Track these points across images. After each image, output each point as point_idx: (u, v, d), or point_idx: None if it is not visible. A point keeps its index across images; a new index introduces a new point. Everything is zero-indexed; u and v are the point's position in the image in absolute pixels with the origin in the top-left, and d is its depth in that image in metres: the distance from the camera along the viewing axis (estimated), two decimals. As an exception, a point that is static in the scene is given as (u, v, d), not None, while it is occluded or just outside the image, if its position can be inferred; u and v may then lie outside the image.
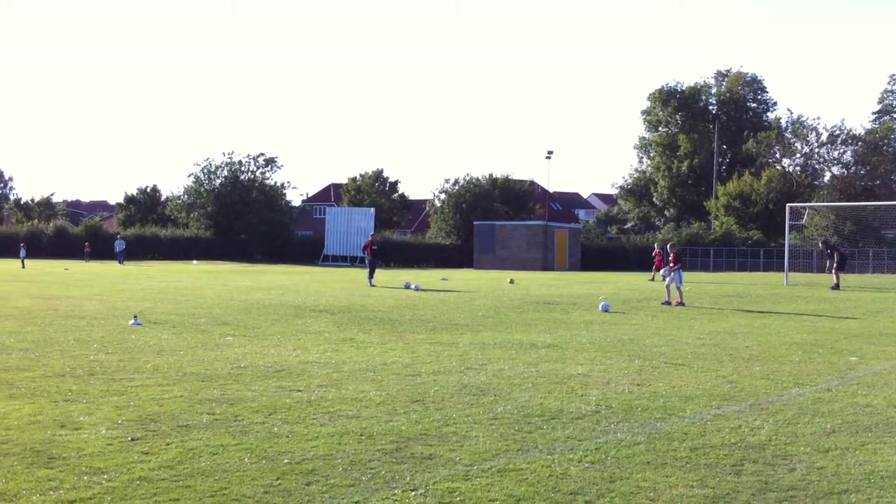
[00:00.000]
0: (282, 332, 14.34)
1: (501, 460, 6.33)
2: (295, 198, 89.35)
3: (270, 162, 69.34)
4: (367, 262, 31.15)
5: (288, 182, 69.95)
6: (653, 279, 34.56)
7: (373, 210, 63.73)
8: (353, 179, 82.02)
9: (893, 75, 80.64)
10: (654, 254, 37.26)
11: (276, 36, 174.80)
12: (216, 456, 6.33)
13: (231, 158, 68.26)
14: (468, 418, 7.71)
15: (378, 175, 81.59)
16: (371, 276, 29.92)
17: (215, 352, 11.85)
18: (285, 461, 6.22)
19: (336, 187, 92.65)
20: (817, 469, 6.21)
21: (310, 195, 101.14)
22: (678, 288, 22.36)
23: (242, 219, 65.39)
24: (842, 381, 10.18)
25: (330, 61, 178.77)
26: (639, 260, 59.70)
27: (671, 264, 22.65)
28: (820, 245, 36.23)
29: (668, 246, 23.79)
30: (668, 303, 21.94)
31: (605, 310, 19.84)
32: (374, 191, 79.76)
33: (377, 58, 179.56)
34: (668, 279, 22.74)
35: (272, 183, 68.94)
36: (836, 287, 30.16)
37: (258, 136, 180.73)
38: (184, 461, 6.18)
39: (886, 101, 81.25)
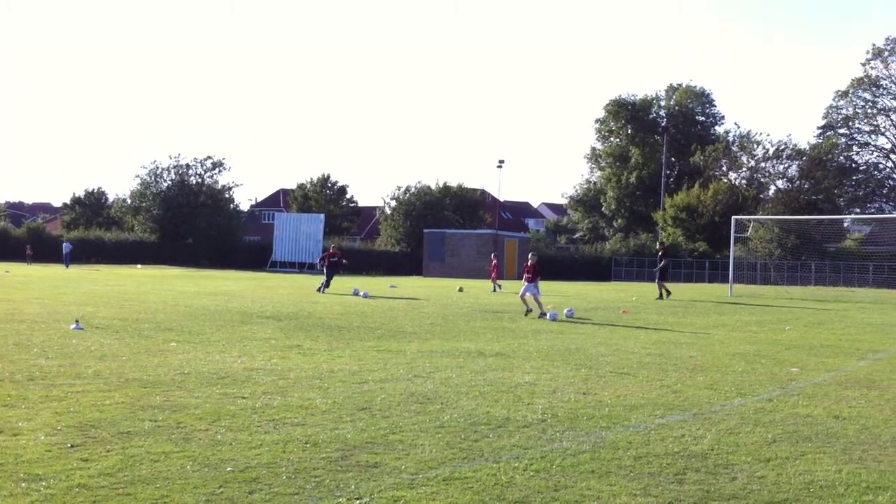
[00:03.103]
0: (227, 339, 14.19)
1: (447, 469, 6.31)
2: (243, 202, 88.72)
3: (218, 165, 68.73)
4: (324, 271, 30.63)
5: (233, 182, 69.04)
6: (495, 290, 33.46)
7: (322, 216, 63.49)
8: (302, 185, 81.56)
9: (838, 91, 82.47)
10: (520, 264, 36.14)
11: (223, 39, 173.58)
12: (157, 463, 6.22)
13: (178, 161, 67.53)
14: (414, 426, 7.69)
15: (327, 181, 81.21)
16: (326, 285, 29.43)
17: (158, 358, 11.68)
18: (228, 469, 6.13)
19: (285, 193, 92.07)
20: (758, 478, 6.29)
21: (258, 200, 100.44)
22: (536, 299, 21.14)
23: (189, 223, 64.66)
24: (783, 391, 10.35)
25: (279, 65, 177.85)
26: (587, 270, 60.29)
27: (527, 275, 21.45)
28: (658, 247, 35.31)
29: (528, 256, 22.53)
30: (543, 315, 20.58)
31: (553, 319, 19.96)
32: (322, 197, 79.39)
33: (328, 63, 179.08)
34: (525, 293, 21.37)
35: (220, 186, 68.25)
36: (666, 295, 29.62)
37: (206, 140, 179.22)
38: (124, 468, 6.06)
39: (831, 117, 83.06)
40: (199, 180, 67.67)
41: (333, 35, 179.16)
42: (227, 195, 68.17)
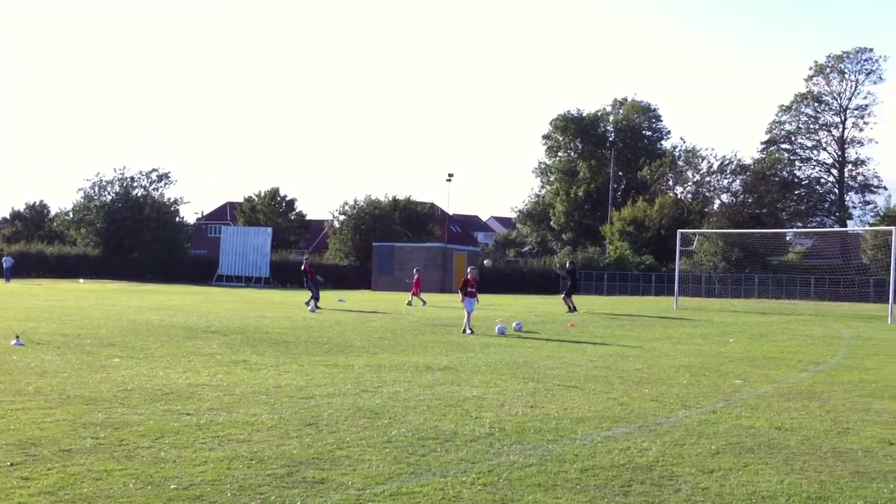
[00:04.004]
0: (171, 354, 14.00)
1: (394, 484, 6.29)
2: (189, 215, 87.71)
3: (164, 178, 67.89)
4: (310, 286, 30.06)
5: (181, 197, 68.12)
6: (408, 303, 33.01)
7: (269, 230, 63.00)
8: (250, 199, 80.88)
9: (782, 106, 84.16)
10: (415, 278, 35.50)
11: (170, 50, 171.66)
12: (99, 482, 6.11)
13: (123, 174, 66.57)
14: (362, 441, 7.65)
15: (275, 194, 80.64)
16: (316, 301, 28.35)
17: (101, 374, 11.48)
18: (172, 487, 6.05)
19: (232, 206, 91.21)
20: (702, 490, 6.37)
21: (205, 213, 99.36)
22: (467, 313, 20.70)
23: (134, 236, 63.69)
24: (726, 403, 10.50)
25: (226, 77, 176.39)
26: (536, 283, 60.56)
27: (470, 289, 20.88)
28: (567, 266, 34.90)
29: (469, 269, 22.01)
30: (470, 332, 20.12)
31: (502, 332, 20.03)
32: (270, 210, 78.78)
33: (275, 75, 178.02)
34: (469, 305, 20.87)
35: (165, 200, 67.39)
36: (573, 310, 29.65)
37: (152, 153, 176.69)
38: (65, 487, 5.96)
39: (774, 132, 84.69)
40: (145, 193, 66.78)
41: (281, 48, 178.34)
42: (172, 208, 67.30)
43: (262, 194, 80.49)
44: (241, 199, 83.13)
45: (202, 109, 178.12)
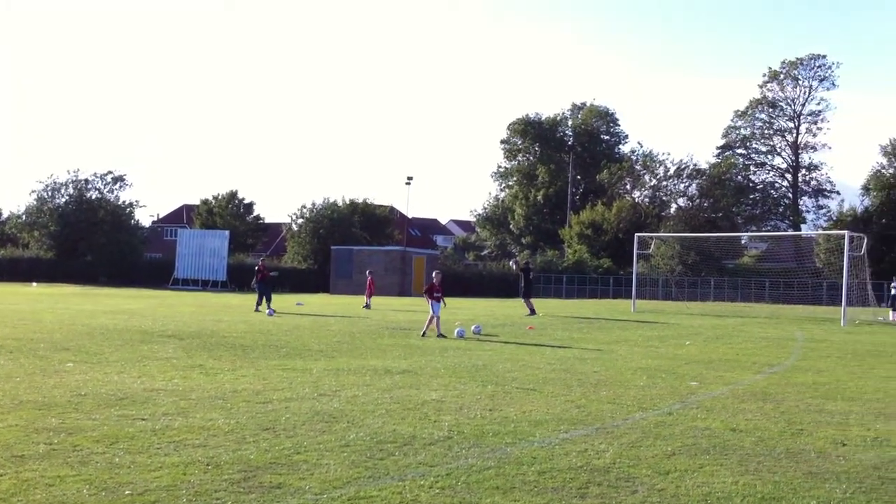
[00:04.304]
0: (126, 359, 13.82)
1: (352, 488, 6.27)
2: (145, 218, 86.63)
3: (119, 180, 67.05)
4: (259, 287, 29.92)
5: (136, 201, 67.30)
6: (365, 306, 32.88)
7: (227, 233, 62.50)
8: (206, 201, 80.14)
9: (737, 112, 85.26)
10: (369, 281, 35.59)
11: (126, 50, 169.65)
12: (53, 487, 6.02)
13: (77, 176, 65.64)
14: (319, 446, 7.61)
15: (232, 197, 79.96)
16: (269, 302, 28.52)
17: (54, 379, 11.30)
18: (127, 492, 5.98)
19: (189, 208, 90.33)
20: (658, 491, 6.42)
21: (161, 216, 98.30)
22: (434, 317, 20.50)
23: (88, 239, 62.78)
24: (682, 405, 10.59)
25: (182, 78, 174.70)
26: (495, 286, 60.71)
27: (437, 294, 20.69)
28: (520, 265, 34.44)
29: (435, 273, 21.90)
30: (425, 335, 20.11)
31: (461, 335, 20.03)
32: (227, 213, 78.11)
33: (232, 76, 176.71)
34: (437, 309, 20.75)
35: (120, 202, 66.55)
36: (533, 312, 29.52)
37: (107, 155, 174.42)
38: (18, 493, 5.86)
39: (730, 137, 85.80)
40: (99, 196, 65.90)
41: (238, 50, 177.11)
42: (128, 211, 66.45)
43: (220, 197, 79.81)
44: (197, 202, 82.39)
45: (159, 111, 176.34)
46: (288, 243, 71.18)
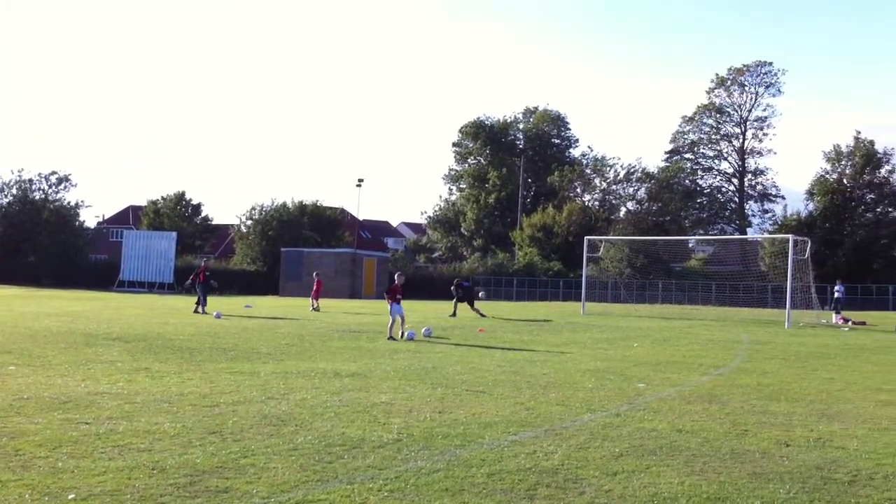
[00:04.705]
0: (70, 362, 13.58)
1: (300, 492, 6.22)
2: (90, 219, 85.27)
3: (64, 181, 65.93)
4: (199, 290, 29.76)
5: (82, 201, 66.18)
6: (314, 308, 32.74)
7: (174, 234, 61.71)
8: (154, 202, 79.07)
9: (685, 117, 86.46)
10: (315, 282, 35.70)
11: (68, 49, 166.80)
12: (-8, 494, 5.90)
13: (21, 176, 64.45)
14: (267, 449, 7.54)
15: (180, 198, 79.00)
16: (202, 304, 28.78)
17: (-5, 382, 11.07)
18: (70, 497, 5.89)
19: (135, 209, 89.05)
20: (605, 492, 6.47)
21: (106, 217, 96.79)
22: (397, 319, 20.49)
23: (31, 240, 61.63)
24: (630, 406, 10.69)
25: (129, 78, 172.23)
26: (446, 289, 60.69)
27: (398, 296, 20.72)
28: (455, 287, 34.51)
29: (397, 275, 21.94)
30: (392, 337, 20.18)
31: (411, 338, 20.01)
32: (175, 214, 77.14)
33: (180, 75, 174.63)
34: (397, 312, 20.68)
35: (65, 203, 65.43)
36: (481, 315, 29.87)
37: (51, 155, 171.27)
38: (-46, 501, 5.73)
39: (678, 142, 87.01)
40: (43, 196, 64.74)
41: (185, 49, 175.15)
42: (73, 212, 65.34)
43: (168, 198, 78.81)
44: (144, 203, 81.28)
45: (105, 110, 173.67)
46: (236, 245, 70.50)
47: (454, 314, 30.31)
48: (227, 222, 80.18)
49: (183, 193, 79.47)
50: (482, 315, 29.80)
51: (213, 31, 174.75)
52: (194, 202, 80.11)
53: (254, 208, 68.10)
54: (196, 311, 28.24)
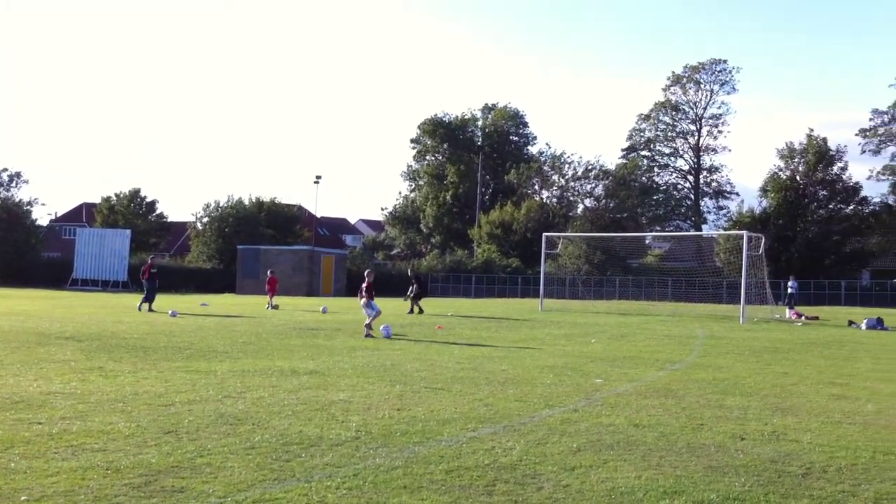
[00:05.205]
0: (22, 361, 13.34)
1: (257, 491, 6.17)
2: (42, 217, 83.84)
3: (15, 178, 64.85)
4: (144, 287, 29.43)
5: (34, 199, 65.24)
6: (273, 307, 32.24)
7: (128, 231, 60.97)
8: (108, 199, 78.03)
9: (641, 115, 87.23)
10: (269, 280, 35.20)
11: (22, 45, 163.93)
12: (-60, 496, 5.78)
13: (-29, 174, 63.33)
14: (224, 449, 7.47)
15: (135, 195, 78.05)
16: (148, 301, 28.33)
17: (-57, 383, 10.84)
18: (23, 498, 5.79)
19: (89, 207, 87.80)
20: (563, 487, 6.49)
21: (59, 215, 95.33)
22: (374, 315, 20.72)
23: (-19, 239, 60.57)
24: (588, 401, 10.75)
25: (82, 73, 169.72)
26: (404, 286, 60.62)
27: (369, 292, 20.97)
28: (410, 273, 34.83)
29: (367, 272, 21.95)
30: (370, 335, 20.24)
31: (368, 335, 19.92)
32: (129, 211, 76.20)
33: (135, 72, 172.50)
34: (368, 310, 20.86)
35: (17, 200, 64.34)
36: (414, 313, 29.95)
37: (2, 152, 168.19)
38: None
39: (634, 139, 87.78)
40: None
41: (141, 46, 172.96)
42: (25, 209, 64.28)
43: (122, 195, 77.83)
44: (98, 200, 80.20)
45: (58, 107, 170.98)
46: (192, 242, 69.83)
47: (418, 311, 30.10)
48: (183, 219, 79.47)
49: (138, 190, 78.63)
50: (420, 311, 29.86)
51: (168, 26, 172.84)
52: (149, 199, 79.35)
53: (210, 205, 67.51)
54: (140, 309, 27.83)
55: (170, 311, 26.56)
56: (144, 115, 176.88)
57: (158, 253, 68.33)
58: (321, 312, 29.43)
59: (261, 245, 58.91)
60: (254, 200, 69.31)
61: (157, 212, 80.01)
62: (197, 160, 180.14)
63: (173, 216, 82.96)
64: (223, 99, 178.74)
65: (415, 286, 31.65)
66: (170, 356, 14.84)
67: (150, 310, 27.79)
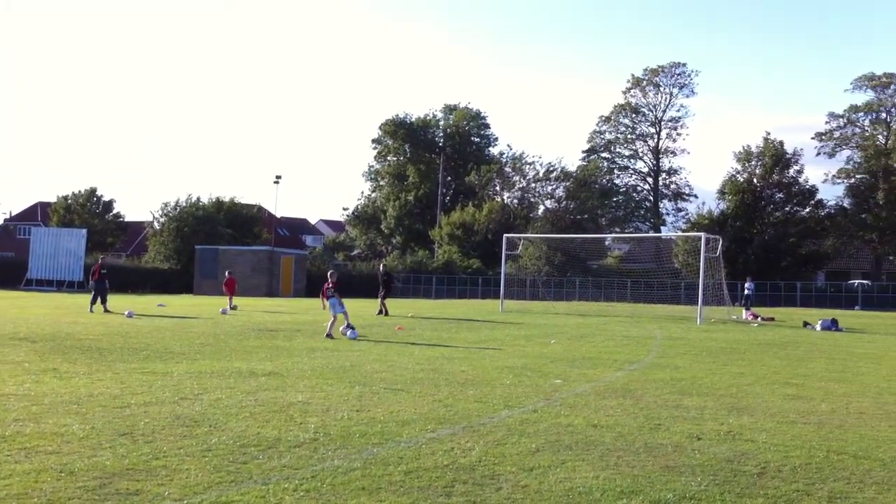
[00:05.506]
0: (-26, 363, 13.11)
1: (213, 493, 6.11)
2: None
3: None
4: (93, 287, 29.09)
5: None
6: (233, 307, 31.45)
7: (84, 231, 60.12)
8: (64, 198, 76.93)
9: (602, 117, 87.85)
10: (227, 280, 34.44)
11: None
12: None
13: (-77, 172, 62.17)
14: (180, 451, 7.39)
15: (91, 194, 77.02)
16: (97, 301, 28.07)
17: None
18: (-28, 503, 5.68)
19: (44, 206, 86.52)
20: (521, 487, 6.51)
21: (14, 214, 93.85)
22: (343, 314, 20.89)
23: (-66, 238, 59.49)
24: (547, 402, 10.79)
25: (40, 70, 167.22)
26: (365, 287, 60.48)
27: (333, 291, 21.07)
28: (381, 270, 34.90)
29: (330, 273, 21.96)
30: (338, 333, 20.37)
31: (329, 336, 19.83)
32: (86, 211, 75.18)
33: (94, 70, 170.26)
34: (335, 309, 20.92)
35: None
36: (384, 313, 29.79)
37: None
38: None
39: (595, 141, 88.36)
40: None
41: (101, 43, 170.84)
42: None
43: (78, 194, 76.78)
44: (54, 199, 79.05)
45: (13, 104, 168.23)
46: (150, 242, 69.03)
47: (385, 312, 29.90)
48: (141, 219, 78.56)
49: (94, 190, 77.65)
50: (385, 313, 29.75)
51: (126, 24, 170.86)
52: (106, 199, 78.37)
53: (167, 204, 66.78)
54: (91, 310, 27.48)
55: (126, 312, 26.24)
56: (102, 114, 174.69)
57: (115, 252, 67.54)
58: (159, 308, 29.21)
59: (219, 245, 58.39)
60: (213, 200, 68.70)
61: (114, 211, 79.07)
62: (155, 159, 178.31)
63: (130, 216, 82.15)
64: (183, 97, 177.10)
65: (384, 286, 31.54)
66: (126, 357, 14.66)
67: (106, 310, 27.46)
